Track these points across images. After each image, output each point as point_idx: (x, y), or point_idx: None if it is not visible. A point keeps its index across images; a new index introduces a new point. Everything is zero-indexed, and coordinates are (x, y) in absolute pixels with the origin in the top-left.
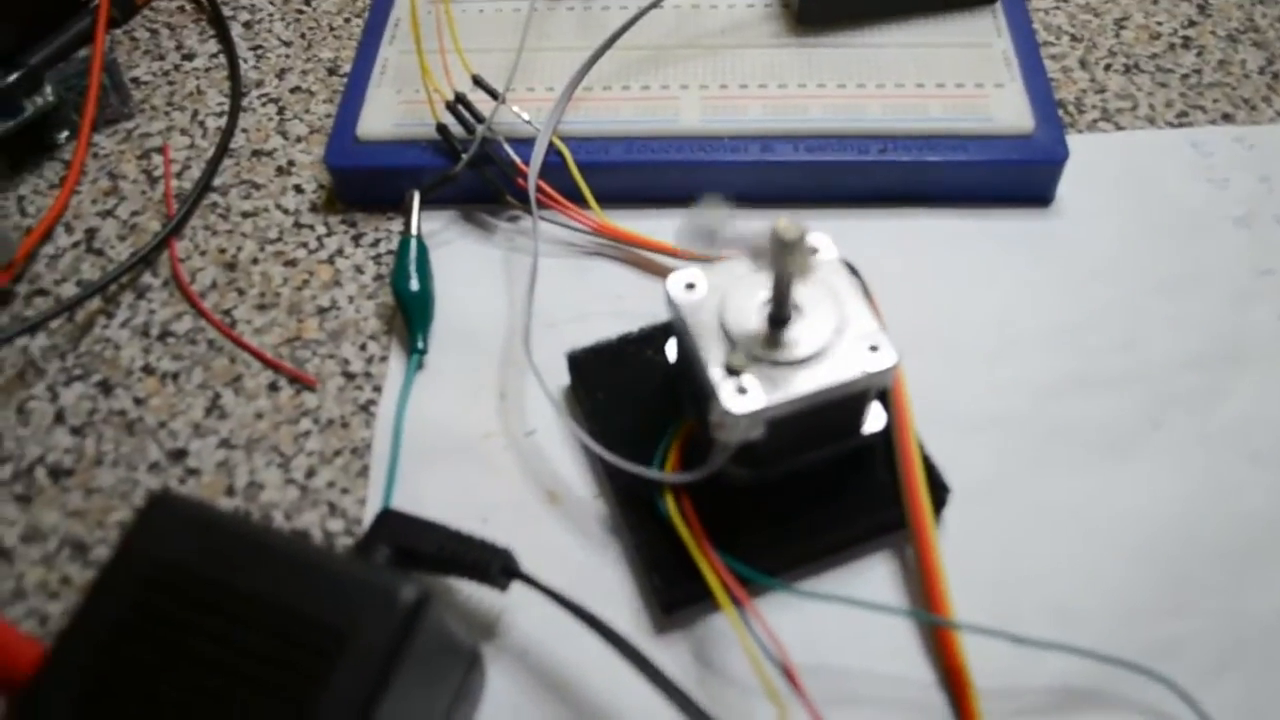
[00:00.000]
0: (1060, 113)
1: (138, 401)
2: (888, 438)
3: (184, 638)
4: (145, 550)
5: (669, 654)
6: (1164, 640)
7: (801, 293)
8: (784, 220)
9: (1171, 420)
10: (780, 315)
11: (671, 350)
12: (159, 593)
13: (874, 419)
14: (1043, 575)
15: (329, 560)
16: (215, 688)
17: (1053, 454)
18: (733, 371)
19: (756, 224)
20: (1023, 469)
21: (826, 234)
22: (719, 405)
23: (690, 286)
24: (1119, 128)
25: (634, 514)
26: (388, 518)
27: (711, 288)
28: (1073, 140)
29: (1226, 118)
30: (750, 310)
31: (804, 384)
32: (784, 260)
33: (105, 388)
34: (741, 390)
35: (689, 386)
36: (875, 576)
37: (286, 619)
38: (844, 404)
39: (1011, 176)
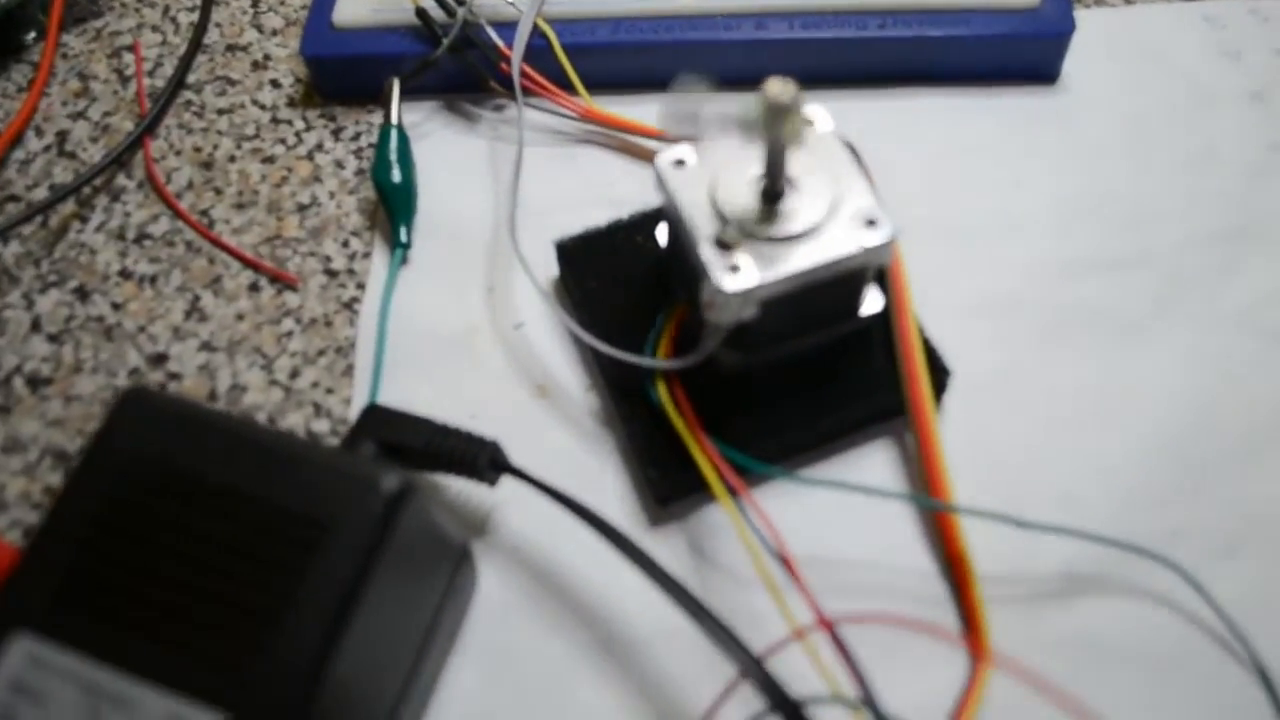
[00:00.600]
0: None
1: (115, 306)
2: (886, 321)
3: (160, 532)
4: (119, 445)
5: (664, 547)
6: (1172, 525)
7: (795, 167)
8: (775, 82)
9: (1182, 301)
10: (774, 189)
11: (662, 234)
12: (134, 487)
13: (871, 301)
14: (1047, 461)
15: (308, 451)
16: (193, 582)
17: (1058, 337)
18: (724, 246)
19: (745, 97)
20: (1027, 353)
21: (824, 112)
22: (711, 284)
23: (680, 163)
24: (1129, 2)
25: (626, 405)
26: (373, 413)
27: (702, 165)
28: (1080, 15)
29: None
30: (743, 186)
31: (798, 260)
32: (776, 127)
33: (82, 293)
34: (734, 268)
35: (680, 269)
36: (874, 464)
37: (263, 511)
38: (840, 283)
39: (1016, 52)
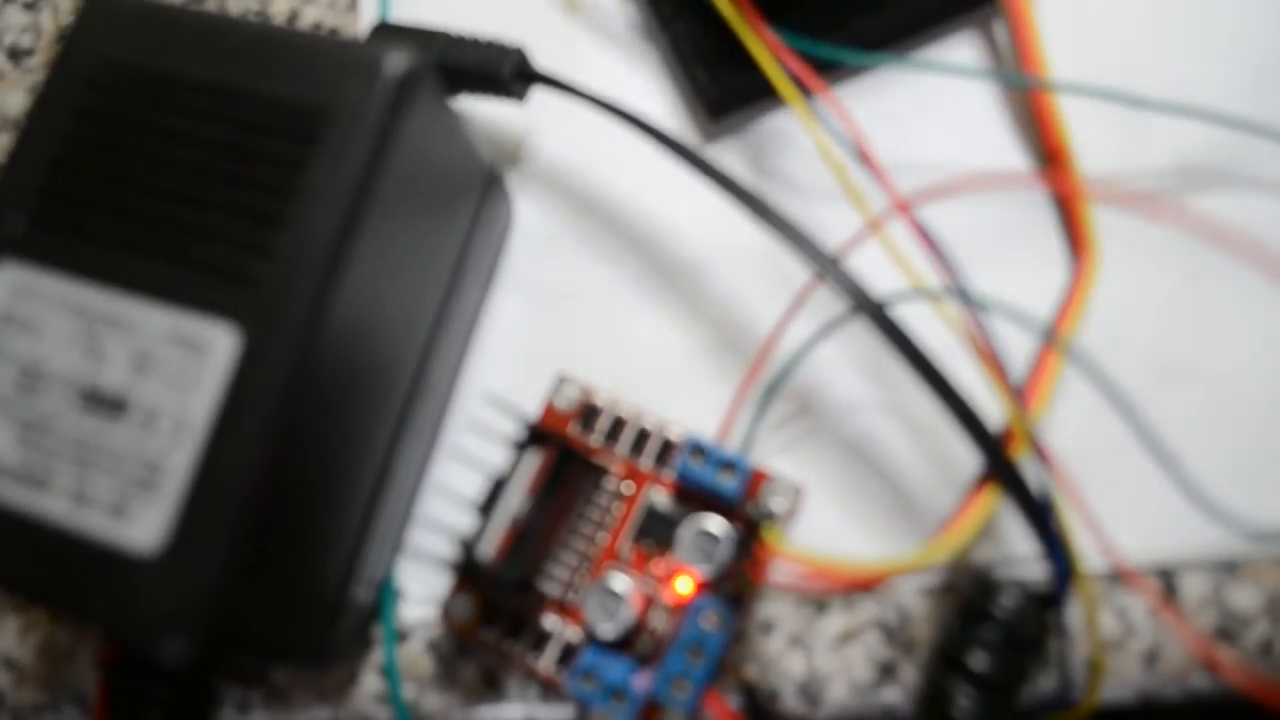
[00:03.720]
0: None
1: None
2: None
3: (141, 139)
4: (87, 54)
5: (722, 162)
6: None
7: None
8: None
9: None
10: None
11: None
12: (107, 95)
13: None
14: (1160, 37)
15: (299, 38)
16: (182, 188)
17: None
18: None
19: None
20: None
21: None
22: None
23: None
24: None
25: (669, 5)
26: (382, 32)
27: None
28: None
29: None
30: None
31: None
32: None
33: None
34: None
35: None
36: (961, 50)
37: (253, 104)
38: None
39: None
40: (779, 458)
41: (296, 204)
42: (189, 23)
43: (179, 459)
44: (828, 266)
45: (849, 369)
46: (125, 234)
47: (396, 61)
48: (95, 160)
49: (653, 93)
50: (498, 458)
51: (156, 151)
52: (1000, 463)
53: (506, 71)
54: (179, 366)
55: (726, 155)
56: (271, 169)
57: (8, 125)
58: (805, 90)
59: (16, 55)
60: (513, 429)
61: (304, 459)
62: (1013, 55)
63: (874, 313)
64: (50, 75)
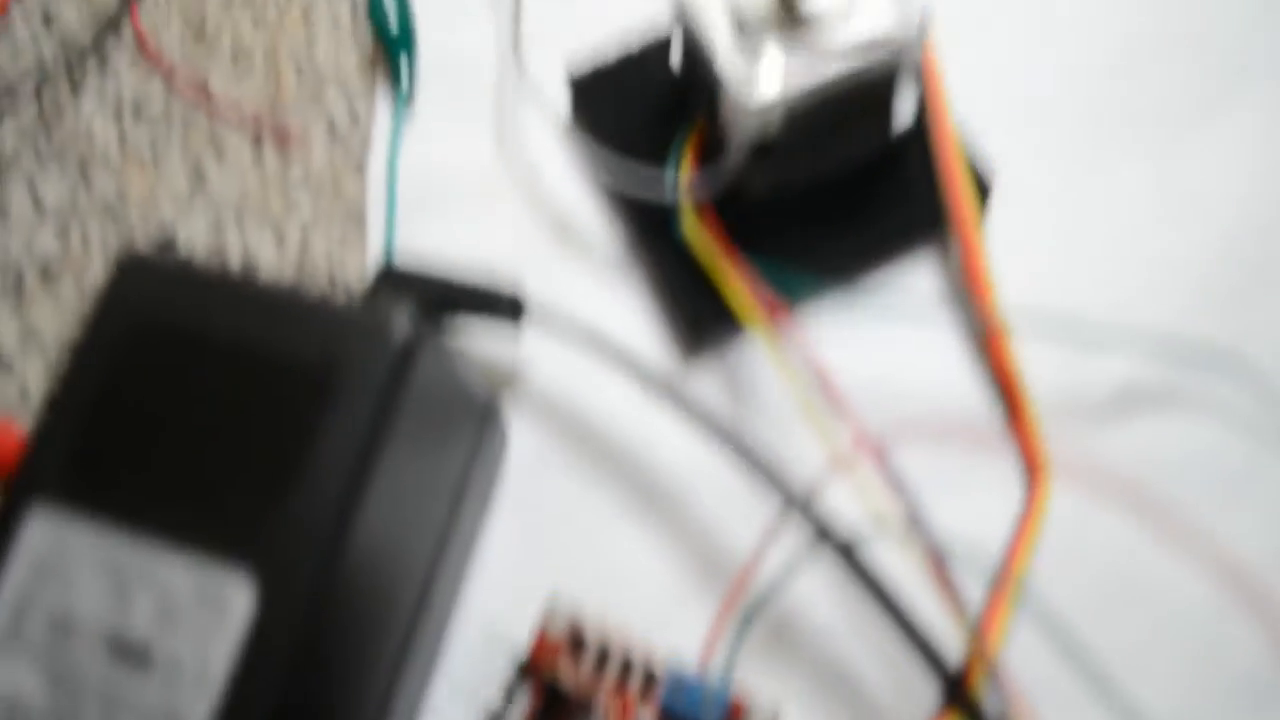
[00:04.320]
0: None
1: (118, 185)
2: (921, 133)
3: (168, 396)
4: (120, 313)
5: (698, 387)
6: (1240, 327)
7: None
8: None
9: (1247, 87)
10: None
11: (676, 53)
12: (137, 352)
13: (905, 113)
14: (1101, 269)
15: (315, 301)
16: (204, 443)
17: (1111, 134)
18: (743, 51)
19: None
20: (1077, 153)
21: None
22: (730, 93)
23: None
24: None
25: (651, 240)
26: (387, 272)
27: None
28: None
29: None
30: None
31: (823, 63)
32: None
33: (83, 174)
34: (754, 73)
35: (698, 88)
36: (918, 287)
37: (271, 365)
38: (869, 88)
39: None
40: (758, 678)
41: (309, 461)
42: (215, 283)
43: (198, 710)
44: (796, 503)
45: (823, 594)
46: (152, 486)
47: (402, 324)
48: (125, 414)
49: (637, 315)
50: (492, 688)
51: (183, 407)
52: (959, 693)
53: (504, 307)
54: (201, 618)
55: (706, 378)
56: (286, 427)
57: (34, 343)
58: (771, 320)
59: (45, 273)
60: (506, 664)
61: (311, 696)
62: (966, 288)
63: (840, 550)
64: (85, 330)
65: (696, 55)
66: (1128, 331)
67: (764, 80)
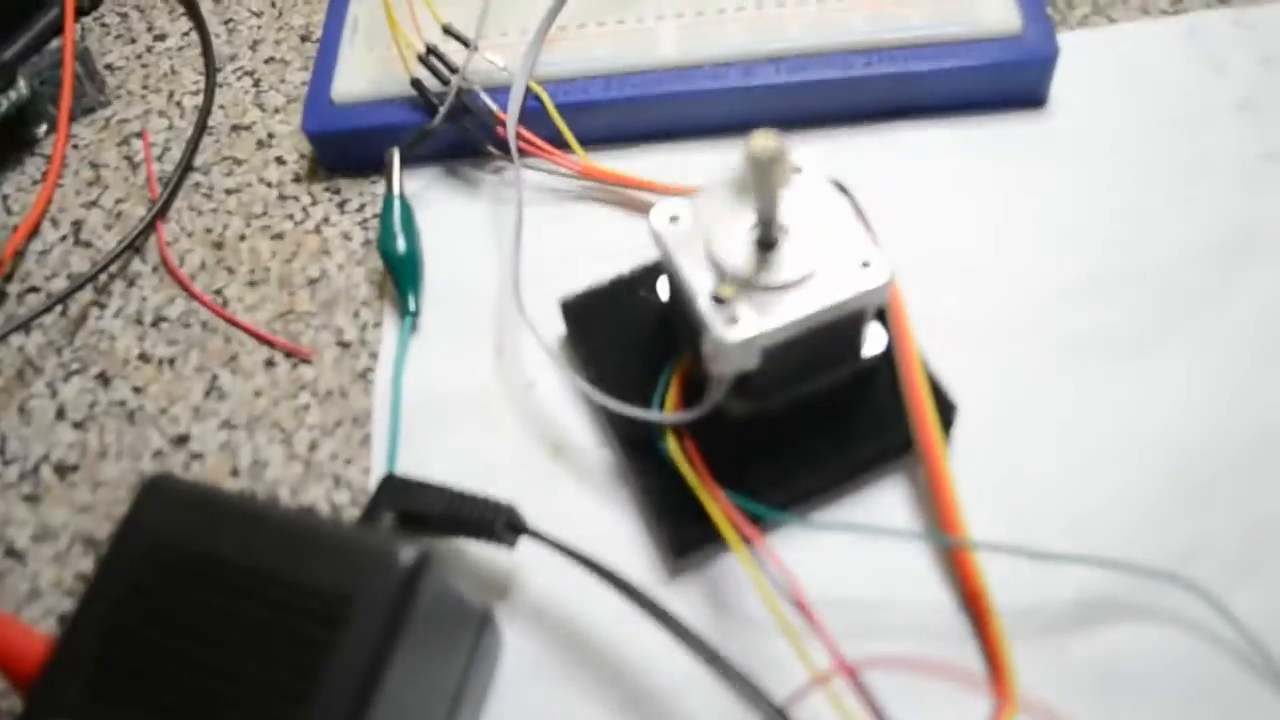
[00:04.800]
0: (1049, 10)
1: (136, 390)
2: (890, 359)
3: (186, 616)
4: (143, 534)
5: (683, 599)
6: (1187, 545)
7: (788, 214)
8: (759, 136)
9: (1184, 318)
10: (767, 238)
11: (663, 288)
12: (158, 574)
13: (874, 341)
14: (1058, 488)
15: (326, 528)
16: (221, 665)
17: (1063, 363)
18: (721, 301)
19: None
20: (1033, 380)
21: (815, 155)
22: (711, 336)
23: (674, 219)
24: (1111, 20)
25: (639, 459)
26: (390, 483)
27: (696, 217)
28: (1064, 37)
29: (1223, 0)
30: (737, 236)
31: (796, 308)
32: (764, 179)
33: (104, 379)
34: (733, 319)
35: (682, 322)
36: (887, 502)
37: (286, 590)
38: (840, 326)
39: (1002, 79)
40: None
41: (319, 685)
42: (234, 509)
43: None
44: (772, 716)
45: None
46: (170, 702)
47: (408, 553)
48: (145, 633)
49: (626, 529)
50: None
51: (201, 627)
52: None
53: (500, 525)
54: None
55: (689, 590)
56: (298, 651)
57: (48, 540)
58: (750, 543)
59: (62, 470)
60: None
61: None
62: (933, 507)
63: None
64: (110, 549)
65: (681, 295)
66: (1084, 550)
67: (742, 324)
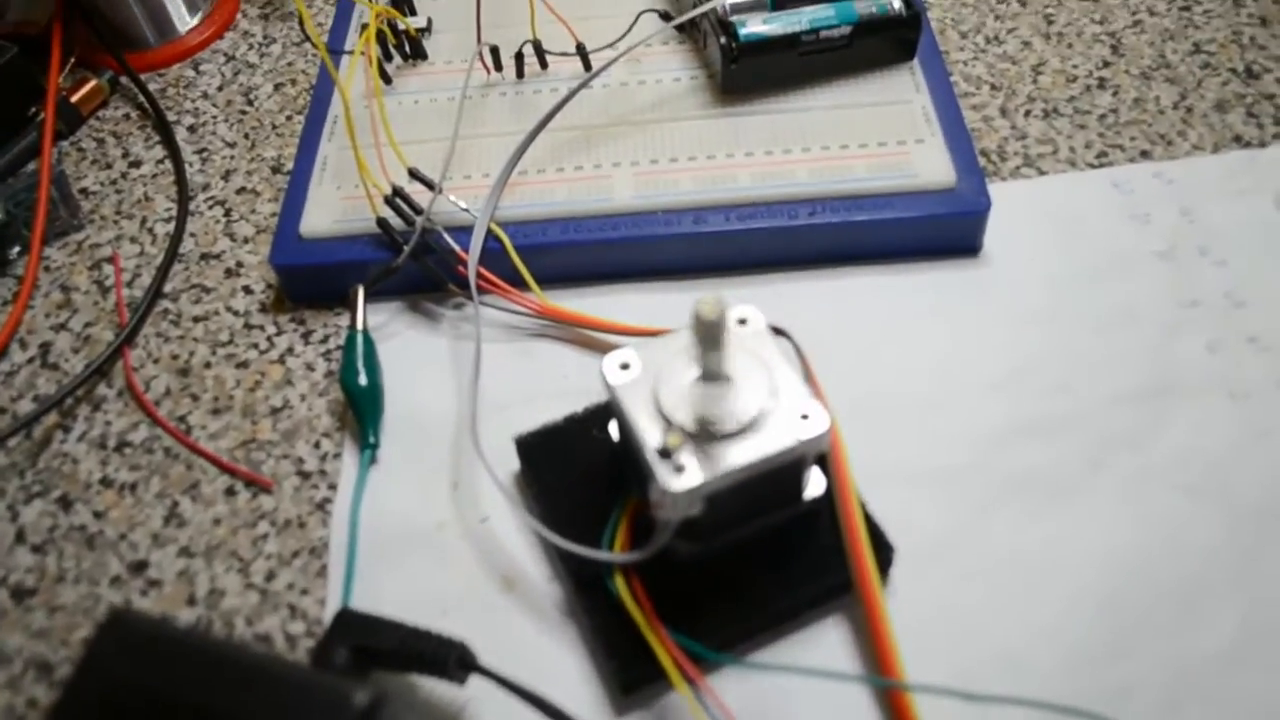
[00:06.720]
0: (983, 161)
1: (97, 515)
2: (830, 501)
3: None
4: (102, 673)
5: None
6: (1116, 683)
7: (732, 365)
8: (705, 302)
9: (1112, 459)
10: (712, 390)
11: (614, 429)
12: (115, 709)
13: (815, 484)
14: (991, 627)
15: (282, 668)
16: None
17: (996, 503)
18: (666, 453)
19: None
20: (968, 521)
21: (760, 300)
22: (657, 485)
23: (625, 367)
24: (1041, 172)
25: (588, 596)
26: (345, 618)
27: (646, 366)
28: (996, 188)
29: (1145, 154)
30: (683, 386)
31: (738, 457)
32: (709, 340)
33: (65, 503)
34: (678, 469)
35: (631, 465)
36: (827, 642)
37: None
38: (782, 473)
39: (938, 230)
40: None
41: None
42: (191, 648)
43: None
44: None
45: None
46: None
47: (361, 697)
48: None
49: (574, 664)
50: None
51: None
52: None
53: (452, 662)
54: None
55: None
56: None
57: (3, 661)
58: (693, 684)
59: (19, 594)
60: None
61: None
62: (871, 648)
63: None
64: (68, 688)
65: (630, 439)
66: (1017, 691)
67: (688, 474)
